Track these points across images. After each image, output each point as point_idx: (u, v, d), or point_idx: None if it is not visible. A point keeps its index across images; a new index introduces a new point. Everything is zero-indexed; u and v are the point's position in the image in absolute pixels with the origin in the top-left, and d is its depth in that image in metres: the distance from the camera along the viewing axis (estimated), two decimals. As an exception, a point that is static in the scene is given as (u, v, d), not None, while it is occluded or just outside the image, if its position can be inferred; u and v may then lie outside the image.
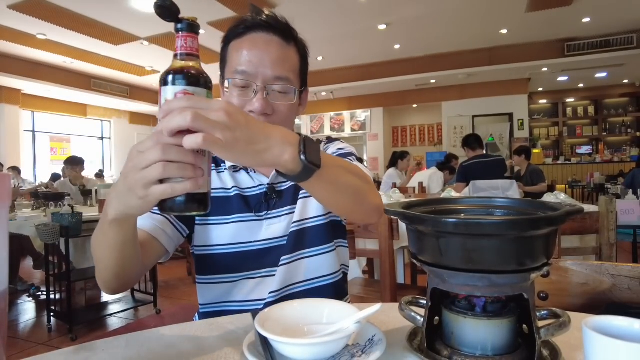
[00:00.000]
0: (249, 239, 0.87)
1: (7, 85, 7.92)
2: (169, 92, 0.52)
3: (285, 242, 0.87)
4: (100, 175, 7.66)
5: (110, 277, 0.69)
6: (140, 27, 6.06)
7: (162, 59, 7.57)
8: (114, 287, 0.71)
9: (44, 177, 7.91)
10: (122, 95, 9.39)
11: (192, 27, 0.54)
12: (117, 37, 6.38)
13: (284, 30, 0.86)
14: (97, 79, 8.74)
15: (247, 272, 0.87)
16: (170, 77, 0.52)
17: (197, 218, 0.88)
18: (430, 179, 4.77)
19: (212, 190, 0.88)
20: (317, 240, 0.89)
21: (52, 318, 2.91)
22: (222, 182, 0.92)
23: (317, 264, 0.89)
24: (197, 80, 0.53)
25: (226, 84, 0.85)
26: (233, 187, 0.90)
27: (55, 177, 5.36)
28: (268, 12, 0.88)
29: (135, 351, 0.57)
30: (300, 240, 0.87)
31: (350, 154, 0.91)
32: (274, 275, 0.86)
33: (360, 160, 0.91)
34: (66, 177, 4.87)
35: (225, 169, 0.92)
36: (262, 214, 0.88)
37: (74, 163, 4.71)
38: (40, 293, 3.61)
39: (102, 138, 10.93)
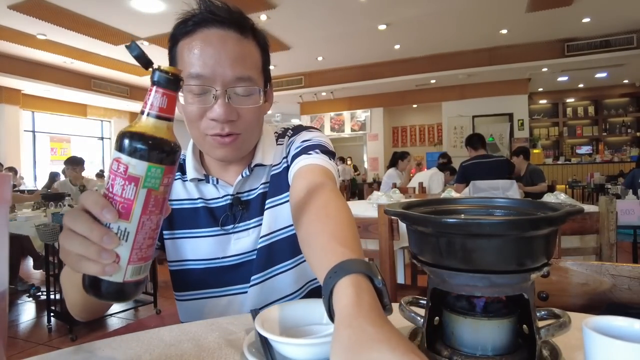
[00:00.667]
0: (218, 255, 0.81)
1: (7, 85, 7.93)
2: (114, 155, 0.45)
3: (254, 257, 0.81)
4: (101, 175, 7.66)
5: (78, 311, 0.69)
6: (141, 27, 6.06)
7: (162, 59, 7.47)
8: (84, 317, 0.71)
9: (43, 177, 7.91)
10: (122, 96, 9.39)
11: (164, 82, 0.45)
12: (117, 37, 6.38)
13: (239, 23, 0.74)
14: (97, 79, 8.75)
15: (218, 289, 0.82)
16: (119, 138, 0.44)
17: (165, 231, 0.82)
18: (430, 179, 4.76)
19: (178, 201, 0.84)
20: (292, 252, 0.81)
21: (52, 318, 2.91)
22: (187, 192, 0.84)
23: (293, 279, 0.82)
24: (142, 151, 0.43)
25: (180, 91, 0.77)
26: (198, 198, 0.83)
27: (53, 176, 5.35)
28: (218, 2, 0.75)
29: (135, 352, 0.57)
30: (270, 256, 0.81)
31: (315, 147, 0.79)
32: (246, 292, 0.81)
33: (327, 151, 0.79)
34: (67, 177, 4.87)
35: (188, 179, 0.84)
36: (229, 227, 0.82)
37: (74, 163, 4.70)
38: (40, 293, 3.61)
39: (102, 138, 10.94)
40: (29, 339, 2.74)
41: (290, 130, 0.89)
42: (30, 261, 4.40)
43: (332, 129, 10.56)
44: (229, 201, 0.82)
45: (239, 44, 0.74)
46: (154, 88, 0.45)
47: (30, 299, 3.59)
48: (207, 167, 0.86)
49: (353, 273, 0.43)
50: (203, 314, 0.82)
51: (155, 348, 0.58)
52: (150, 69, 0.46)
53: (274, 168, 0.85)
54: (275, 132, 0.91)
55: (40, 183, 8.03)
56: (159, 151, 0.44)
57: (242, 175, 0.82)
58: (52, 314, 2.91)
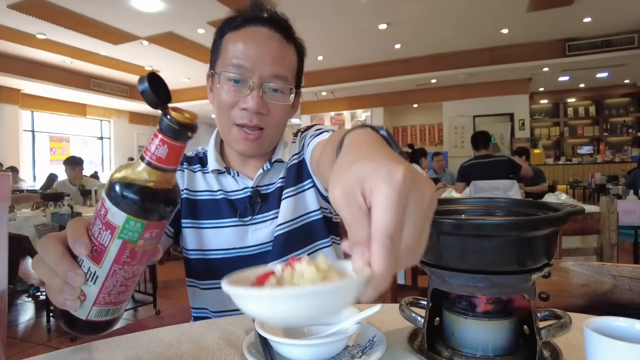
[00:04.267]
0: (237, 245, 0.84)
1: (6, 85, 7.93)
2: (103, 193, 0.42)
3: (271, 248, 0.84)
4: (95, 176, 7.64)
5: None
6: (140, 27, 6.06)
7: (162, 59, 7.58)
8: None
9: (43, 177, 7.91)
10: (121, 95, 9.39)
11: (168, 131, 0.39)
12: (117, 36, 6.38)
13: (285, 28, 0.81)
14: (97, 79, 8.75)
15: None
16: (110, 177, 0.41)
17: (186, 220, 0.85)
18: None
19: (199, 192, 0.87)
20: (309, 239, 0.85)
21: (51, 318, 2.90)
22: (207, 184, 0.88)
23: None
24: (123, 201, 0.40)
25: (218, 77, 0.79)
26: (219, 190, 0.87)
27: (52, 178, 5.34)
28: (269, 7, 0.83)
29: (134, 352, 0.57)
30: (287, 244, 0.83)
31: (328, 130, 0.84)
32: None
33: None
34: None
35: (209, 171, 0.88)
36: (247, 219, 0.85)
37: (73, 163, 4.70)
38: (39, 293, 3.61)
39: (101, 138, 10.94)
40: (28, 339, 2.74)
41: (303, 128, 0.96)
42: (29, 261, 4.40)
43: (333, 129, 10.56)
44: (248, 193, 0.86)
45: (282, 45, 0.80)
46: (158, 134, 0.40)
47: (30, 299, 3.59)
48: (227, 160, 0.90)
49: (359, 129, 0.44)
50: (221, 301, 0.84)
51: (154, 348, 0.58)
52: (161, 111, 0.40)
53: (289, 163, 0.89)
54: (294, 134, 0.96)
55: (40, 183, 8.02)
56: (142, 205, 0.40)
57: (263, 168, 0.86)
58: (51, 314, 2.90)
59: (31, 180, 8.85)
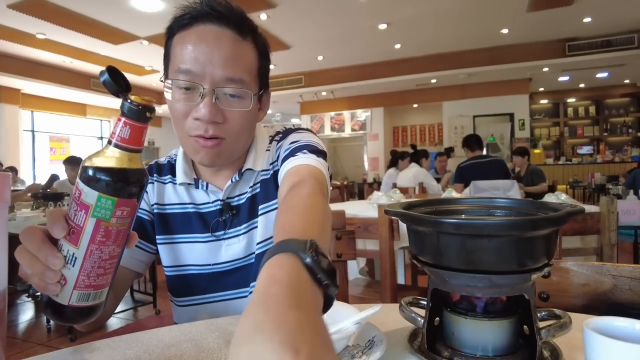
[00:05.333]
0: (210, 261, 0.81)
1: (6, 84, 7.92)
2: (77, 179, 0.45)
3: (252, 262, 0.79)
4: None
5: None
6: (140, 27, 6.05)
7: (162, 59, 7.57)
8: (83, 329, 0.71)
9: (43, 177, 7.90)
10: (122, 95, 9.38)
11: (129, 112, 0.44)
12: (117, 36, 6.38)
13: (238, 22, 0.72)
14: (97, 79, 8.72)
15: (215, 294, 0.81)
16: (82, 164, 0.45)
17: (160, 236, 0.82)
18: (416, 177, 4.74)
19: (170, 205, 0.83)
20: None
21: (52, 318, 2.90)
22: (178, 196, 0.83)
23: None
24: (94, 180, 0.43)
25: (168, 83, 0.72)
26: (189, 203, 0.82)
27: (53, 178, 5.33)
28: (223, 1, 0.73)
29: (134, 352, 0.57)
30: None
31: (303, 147, 0.75)
32: (245, 297, 0.79)
33: (315, 150, 0.75)
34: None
35: (177, 183, 0.83)
36: (220, 233, 0.81)
37: (73, 163, 4.70)
38: (39, 293, 3.61)
39: (101, 138, 10.93)
40: (28, 339, 2.74)
41: (279, 134, 0.87)
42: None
43: (332, 129, 10.55)
44: (219, 206, 0.81)
45: (235, 44, 0.71)
46: (121, 118, 0.44)
47: (30, 299, 3.59)
48: (198, 171, 0.84)
49: (275, 255, 0.35)
50: (195, 319, 0.81)
51: (154, 348, 0.58)
52: (121, 97, 0.45)
53: (262, 173, 0.83)
54: (270, 136, 0.89)
55: (39, 183, 8.02)
56: (111, 182, 0.44)
57: (231, 180, 0.81)
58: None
59: (31, 180, 8.84)
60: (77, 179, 0.45)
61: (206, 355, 0.55)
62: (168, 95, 0.72)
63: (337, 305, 0.60)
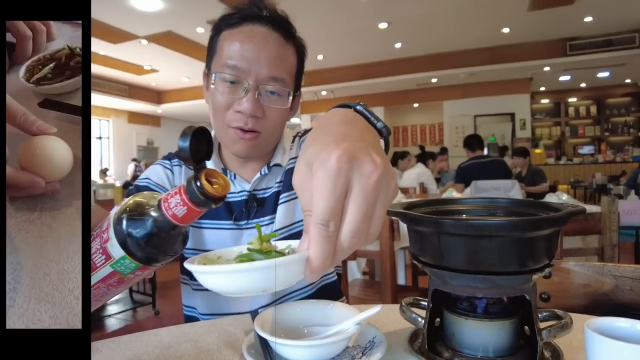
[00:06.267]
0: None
1: (8, 84, 7.93)
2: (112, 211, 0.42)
3: None
4: (104, 172, 7.66)
5: None
6: (139, 26, 6.06)
7: (161, 58, 7.58)
8: None
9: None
10: (120, 95, 9.39)
11: (197, 199, 0.37)
12: (116, 35, 6.38)
13: (284, 26, 0.78)
14: (96, 78, 8.75)
15: None
16: (124, 205, 0.41)
17: None
18: (419, 177, 4.75)
19: None
20: None
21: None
22: None
23: None
24: (127, 241, 0.39)
25: (212, 78, 0.76)
26: None
27: None
28: (268, 4, 0.79)
29: (133, 353, 0.56)
30: None
31: None
32: None
33: None
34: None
35: None
36: (242, 223, 0.83)
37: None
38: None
39: (100, 138, 10.93)
40: (30, 338, 2.74)
41: (302, 133, 0.94)
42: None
43: (333, 129, 10.56)
44: (245, 197, 0.84)
45: (280, 46, 0.77)
46: (182, 194, 0.38)
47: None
48: (225, 161, 0.88)
49: (334, 109, 0.45)
50: (209, 303, 0.83)
51: (154, 349, 0.58)
52: (192, 170, 0.38)
53: (287, 167, 0.87)
54: (293, 135, 0.95)
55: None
56: (145, 252, 0.40)
57: (260, 173, 0.84)
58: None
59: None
60: (110, 221, 0.40)
61: (206, 355, 0.55)
62: (211, 86, 0.77)
63: (337, 305, 0.60)
